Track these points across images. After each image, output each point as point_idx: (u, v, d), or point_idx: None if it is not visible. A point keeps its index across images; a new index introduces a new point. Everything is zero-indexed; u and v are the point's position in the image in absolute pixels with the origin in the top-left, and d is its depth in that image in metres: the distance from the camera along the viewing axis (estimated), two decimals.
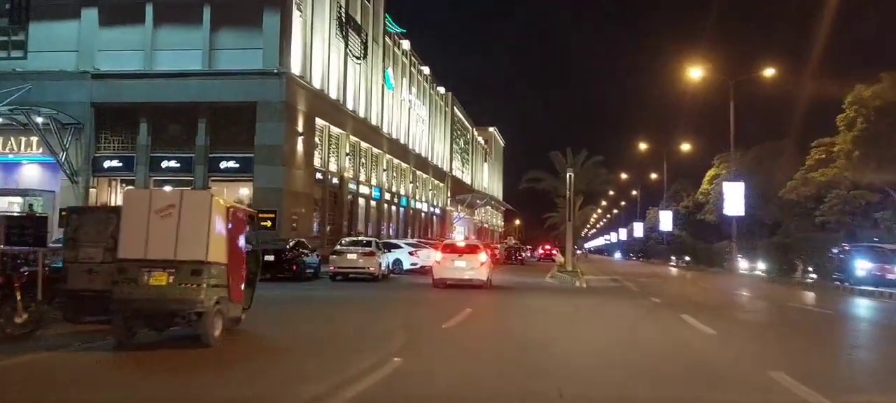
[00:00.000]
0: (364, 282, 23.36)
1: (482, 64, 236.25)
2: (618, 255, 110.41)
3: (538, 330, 11.45)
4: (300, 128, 31.49)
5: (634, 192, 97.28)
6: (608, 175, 33.85)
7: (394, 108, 49.53)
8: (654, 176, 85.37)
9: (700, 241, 62.63)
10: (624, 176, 79.65)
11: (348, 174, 39.26)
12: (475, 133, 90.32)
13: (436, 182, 65.15)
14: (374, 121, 44.48)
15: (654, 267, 52.43)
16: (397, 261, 29.51)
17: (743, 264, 41.28)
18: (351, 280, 23.78)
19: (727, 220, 64.26)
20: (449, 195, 69.93)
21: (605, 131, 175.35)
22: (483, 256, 22.44)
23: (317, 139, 34.82)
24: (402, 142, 51.91)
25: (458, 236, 77.55)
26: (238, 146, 30.30)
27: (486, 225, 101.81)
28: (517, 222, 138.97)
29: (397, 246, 30.37)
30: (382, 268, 24.61)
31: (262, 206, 29.24)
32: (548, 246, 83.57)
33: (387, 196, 47.84)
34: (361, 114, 41.82)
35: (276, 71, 29.69)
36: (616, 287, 25.93)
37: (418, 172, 57.69)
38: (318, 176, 34.65)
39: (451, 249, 22.99)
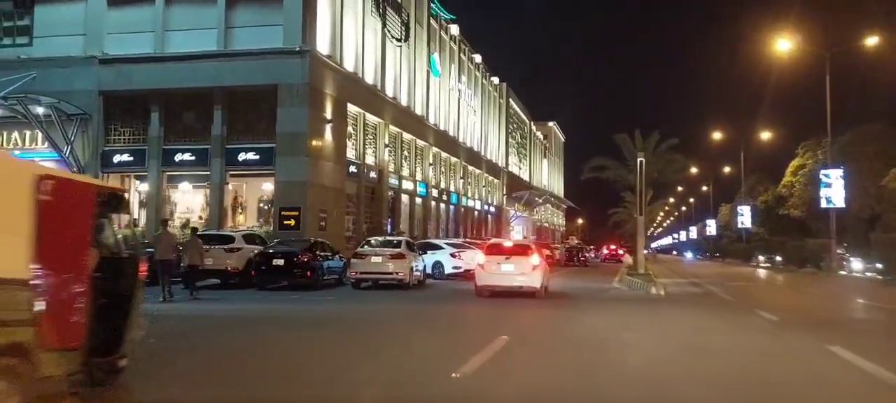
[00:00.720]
0: (391, 290, 19.41)
1: (538, 52, 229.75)
2: (689, 255, 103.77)
3: (609, 382, 7.18)
4: (329, 115, 27.80)
5: (704, 187, 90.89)
6: (684, 162, 28.78)
7: (441, 98, 45.56)
8: (727, 169, 79.15)
9: (778, 238, 56.78)
10: (694, 170, 73.64)
11: (388, 168, 35.45)
12: (533, 127, 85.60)
13: (490, 178, 60.89)
14: (418, 111, 40.59)
15: (736, 268, 46.77)
16: (437, 265, 25.50)
17: (851, 265, 35.41)
18: (378, 287, 19.87)
19: (815, 215, 58.17)
20: (505, 192, 65.55)
21: (673, 121, 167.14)
22: (535, 259, 18.24)
23: (350, 128, 31.11)
24: (451, 134, 47.87)
25: (516, 235, 73.24)
26: (258, 135, 26.83)
27: (546, 225, 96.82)
28: (580, 221, 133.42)
29: (437, 247, 26.35)
30: (415, 273, 20.62)
31: (285, 203, 25.79)
32: (613, 246, 78.50)
33: (434, 192, 43.89)
34: (404, 103, 37.98)
35: (297, 49, 26.06)
36: (701, 294, 21.23)
37: (470, 167, 53.57)
38: (352, 169, 30.93)
39: (497, 250, 18.91)
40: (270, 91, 26.31)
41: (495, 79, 63.45)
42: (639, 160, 24.81)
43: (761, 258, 46.94)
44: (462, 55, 51.32)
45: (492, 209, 61.78)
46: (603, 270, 44.77)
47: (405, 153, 38.89)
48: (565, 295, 20.05)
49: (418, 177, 41.04)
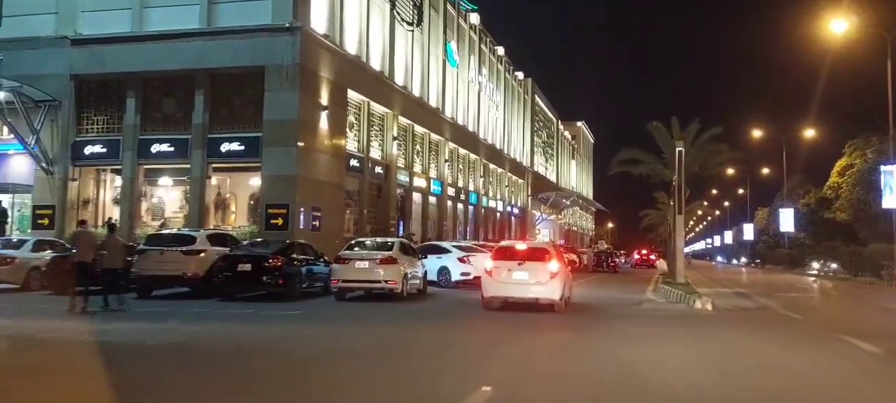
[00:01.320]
0: (381, 302, 16.21)
1: (565, 52, 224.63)
2: (719, 259, 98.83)
3: None
4: (325, 101, 24.71)
5: (740, 190, 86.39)
6: (728, 153, 25.02)
7: (459, 90, 42.28)
8: (765, 170, 74.62)
9: (828, 243, 52.56)
10: (735, 165, 69.31)
11: (397, 163, 32.27)
12: (560, 126, 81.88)
13: (514, 178, 57.44)
14: (433, 103, 37.38)
15: (780, 276, 42.61)
16: (443, 271, 22.23)
17: None
18: (367, 298, 16.70)
19: (863, 219, 53.64)
20: (529, 193, 62.02)
21: (706, 120, 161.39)
22: (554, 265, 15.00)
23: (352, 117, 28.01)
24: (470, 129, 44.57)
25: (543, 239, 69.65)
26: (243, 123, 23.84)
27: (574, 228, 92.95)
28: (610, 225, 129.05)
29: (443, 251, 23.05)
30: (411, 282, 17.39)
31: (272, 199, 22.75)
32: (644, 251, 74.51)
33: (451, 191, 40.61)
34: (416, 93, 34.80)
35: (287, 25, 23.01)
36: (758, 310, 17.60)
37: (491, 166, 50.19)
38: (354, 163, 27.80)
39: (508, 254, 15.72)
40: (258, 73, 23.33)
41: (520, 74, 60.04)
42: (678, 150, 21.29)
43: (815, 265, 42.56)
44: (483, 46, 48.01)
45: (516, 211, 58.31)
46: (634, 277, 41.08)
47: (418, 148, 35.69)
48: (590, 309, 16.65)
49: (433, 174, 37.81)
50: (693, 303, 17.14)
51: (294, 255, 17.03)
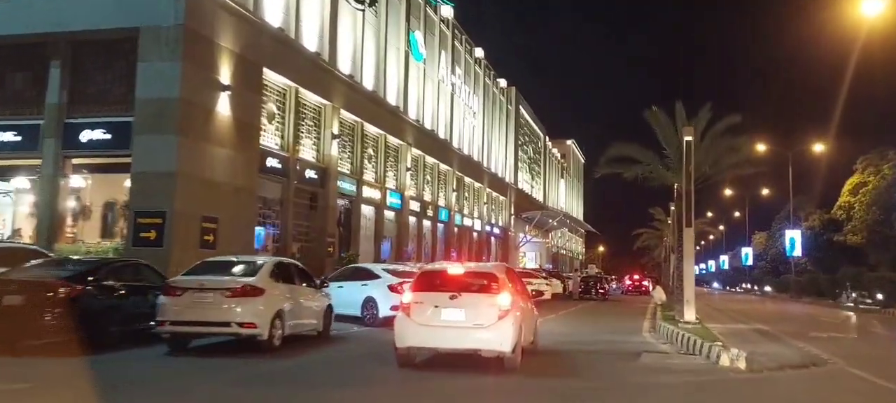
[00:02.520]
0: (239, 356, 10.37)
1: (554, 66, 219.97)
2: (715, 286, 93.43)
3: None
4: (226, 80, 18.95)
5: (737, 213, 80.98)
6: (749, 149, 19.00)
7: (427, 89, 36.65)
8: (765, 191, 69.20)
9: (877, 273, 47.38)
10: (728, 192, 63.74)
11: (339, 167, 26.50)
12: (548, 142, 76.40)
13: (494, 194, 51.72)
14: (391, 100, 31.72)
15: (799, 307, 36.76)
16: (369, 303, 16.37)
17: None
18: (221, 348, 10.85)
19: (879, 242, 48.22)
20: (512, 212, 56.27)
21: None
22: (503, 299, 9.65)
23: (272, 106, 22.26)
24: (440, 135, 38.89)
25: (529, 263, 63.77)
26: (112, 104, 18.06)
27: (563, 252, 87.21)
28: (600, 249, 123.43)
29: (372, 275, 17.12)
30: (298, 321, 11.59)
31: (144, 205, 16.93)
32: (636, 276, 68.75)
33: (414, 205, 34.82)
34: (368, 86, 29.13)
35: None
36: (814, 367, 11.70)
37: (467, 179, 44.45)
38: (274, 163, 21.99)
39: (436, 282, 10.45)
40: (130, 39, 17.58)
41: (502, 82, 54.53)
42: (685, 140, 15.59)
43: (853, 294, 36.58)
44: (457, 44, 42.47)
45: (496, 231, 52.50)
46: (626, 306, 35.20)
47: (369, 151, 29.93)
48: (564, 364, 11.04)
49: (390, 184, 32.01)
50: (716, 356, 11.30)
51: (109, 282, 11.14)
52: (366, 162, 29.40)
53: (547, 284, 30.20)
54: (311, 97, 24.41)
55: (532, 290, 30.13)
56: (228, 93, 18.97)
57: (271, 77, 21.88)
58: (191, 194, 17.67)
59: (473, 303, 9.60)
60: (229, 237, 18.89)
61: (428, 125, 36.87)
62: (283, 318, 11.09)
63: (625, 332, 17.86)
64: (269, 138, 22.11)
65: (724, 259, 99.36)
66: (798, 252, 52.94)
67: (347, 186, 27.28)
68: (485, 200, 48.69)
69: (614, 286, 64.17)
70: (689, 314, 15.14)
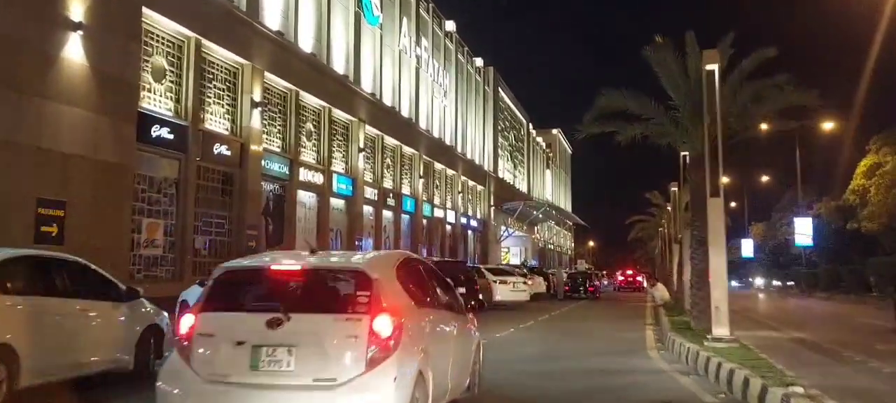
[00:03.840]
0: None
1: (538, 58, 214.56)
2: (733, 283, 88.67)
3: None
4: (78, 16, 13.91)
5: (733, 204, 76.51)
6: (794, 93, 13.91)
7: (384, 59, 31.68)
8: (764, 178, 64.67)
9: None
10: (726, 179, 59.06)
11: (268, 144, 21.52)
12: (532, 130, 71.55)
13: (471, 183, 46.79)
14: (338, 68, 26.75)
15: (829, 305, 31.97)
16: (148, 336, 11.17)
17: None
18: None
19: None
20: (492, 203, 51.37)
21: None
22: (381, 324, 5.29)
23: (159, 58, 17.20)
24: (403, 114, 33.95)
25: (513, 259, 58.89)
26: None
27: (551, 247, 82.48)
28: (591, 244, 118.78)
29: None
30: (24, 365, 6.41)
31: None
32: (629, 271, 64.17)
33: (370, 193, 29.84)
34: (305, 48, 24.12)
35: None
36: None
37: (438, 165, 39.51)
38: (164, 132, 16.96)
39: (244, 292, 5.64)
40: None
41: (479, 61, 49.59)
42: (706, 68, 10.66)
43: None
44: (423, 12, 37.50)
45: (473, 223, 47.57)
46: (620, 305, 30.44)
47: (309, 126, 24.92)
48: None
49: (338, 167, 27.02)
50: None
51: None
52: (303, 139, 24.39)
53: (525, 283, 25.29)
54: (220, 54, 19.37)
55: (510, 291, 25.49)
56: (80, 33, 13.92)
57: (158, 20, 16.83)
58: (17, 169, 12.63)
59: (314, 335, 4.77)
60: (89, 227, 13.87)
61: (387, 101, 31.91)
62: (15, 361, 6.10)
63: (624, 349, 12.99)
64: (158, 101, 17.07)
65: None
66: (809, 241, 48.31)
67: (277, 167, 22.27)
68: (460, 189, 43.77)
69: (606, 282, 59.56)
70: (722, 327, 10.23)
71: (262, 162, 21.16)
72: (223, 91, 19.68)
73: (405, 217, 34.77)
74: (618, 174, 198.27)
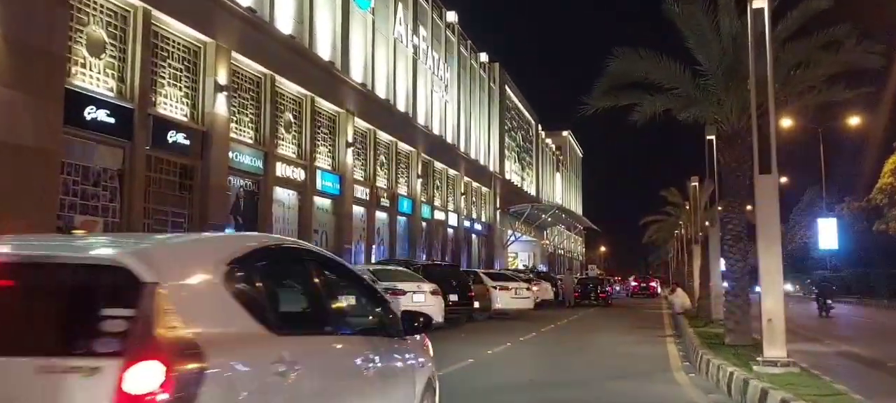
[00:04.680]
0: None
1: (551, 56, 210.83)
2: (725, 285, 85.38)
3: None
4: None
5: (749, 206, 73.46)
6: (862, 54, 11.30)
7: (377, 48, 29.28)
8: (783, 179, 61.64)
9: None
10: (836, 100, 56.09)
11: (237, 134, 19.15)
12: (540, 131, 68.98)
13: (475, 185, 44.28)
14: (322, 52, 24.35)
15: (867, 312, 29.23)
16: None
17: None
18: None
19: None
20: (498, 206, 48.82)
21: None
22: None
23: (96, 30, 14.84)
24: (399, 108, 31.55)
25: (521, 263, 56.28)
26: None
27: (560, 252, 79.73)
28: (602, 249, 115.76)
29: None
30: None
31: None
32: (643, 277, 61.67)
33: (360, 192, 27.40)
34: (283, 29, 21.73)
35: None
36: None
37: (439, 165, 37.08)
38: (103, 116, 14.55)
39: None
40: None
41: (483, 56, 47.14)
42: (754, 5, 8.13)
43: None
44: (421, 0, 35.10)
45: (478, 226, 45.03)
46: (634, 313, 27.82)
47: (288, 116, 22.51)
48: None
49: (324, 162, 24.59)
50: None
51: None
52: (281, 130, 21.97)
53: (528, 289, 22.67)
54: (176, 28, 16.99)
55: (511, 298, 22.86)
56: None
57: None
58: None
59: None
60: (4, 224, 11.41)
61: (380, 93, 29.49)
62: None
63: (644, 371, 10.45)
64: (95, 79, 14.69)
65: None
66: (833, 244, 45.38)
67: (248, 161, 19.84)
68: (463, 191, 41.24)
69: (618, 288, 56.91)
70: (776, 347, 7.67)
71: (230, 154, 18.75)
72: (180, 71, 17.29)
73: (402, 219, 32.30)
74: (631, 173, 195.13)
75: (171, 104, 16.98)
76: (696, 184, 23.68)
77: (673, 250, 50.96)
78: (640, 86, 11.95)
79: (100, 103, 14.52)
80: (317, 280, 3.77)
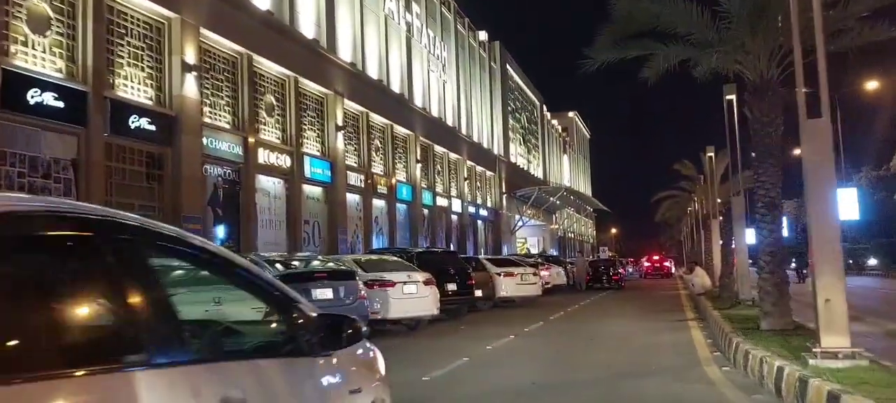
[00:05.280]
0: None
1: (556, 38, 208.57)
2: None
3: None
4: None
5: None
6: None
7: (368, 25, 27.66)
8: (795, 151, 59.66)
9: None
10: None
11: (211, 119, 17.63)
12: (546, 112, 67.18)
13: (479, 169, 42.63)
14: (305, 30, 22.74)
15: None
16: None
17: None
18: None
19: None
20: (504, 190, 47.18)
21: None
22: None
23: (40, 3, 13.29)
24: (394, 89, 29.94)
25: (530, 248, 54.69)
26: None
27: (571, 235, 77.94)
28: (613, 231, 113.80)
29: None
30: None
31: None
32: (655, 257, 59.98)
33: (354, 178, 25.84)
34: (257, 3, 20.10)
35: None
36: None
37: (440, 149, 35.47)
38: (49, 99, 13.03)
39: None
40: None
41: (483, 35, 45.39)
42: None
43: None
44: None
45: (483, 212, 43.42)
46: (650, 296, 26.26)
47: (269, 99, 20.93)
48: None
49: (311, 148, 23.04)
50: None
51: None
52: (262, 114, 20.40)
53: (535, 274, 21.01)
54: (135, 2, 15.43)
55: (517, 284, 21.22)
56: None
57: None
58: None
59: None
60: None
61: (372, 73, 27.88)
62: None
63: (668, 365, 8.87)
64: (39, 59, 13.15)
65: (750, 232, 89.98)
66: (853, 215, 43.52)
67: (226, 147, 18.30)
68: (466, 175, 39.61)
69: (631, 270, 55.28)
70: (837, 333, 6.07)
71: (204, 140, 17.22)
72: (141, 50, 15.73)
73: (401, 206, 30.73)
74: (640, 153, 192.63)
75: (133, 86, 15.44)
76: (712, 154, 22.00)
77: (686, 228, 49.25)
78: (651, 35, 10.30)
79: (46, 85, 12.99)
80: (140, 275, 2.21)
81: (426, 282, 13.05)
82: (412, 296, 12.66)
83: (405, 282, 12.64)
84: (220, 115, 18.36)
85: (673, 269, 57.02)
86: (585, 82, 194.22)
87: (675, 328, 13.41)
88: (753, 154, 10.12)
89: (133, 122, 15.09)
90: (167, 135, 16.02)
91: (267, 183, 20.57)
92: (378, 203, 28.38)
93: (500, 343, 11.48)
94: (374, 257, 15.07)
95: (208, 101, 17.78)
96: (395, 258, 14.34)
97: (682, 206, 43.88)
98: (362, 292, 10.71)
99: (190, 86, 16.57)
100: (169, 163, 16.18)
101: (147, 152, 15.73)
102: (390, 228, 29.28)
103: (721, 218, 23.07)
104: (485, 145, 44.35)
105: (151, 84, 15.96)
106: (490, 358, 9.91)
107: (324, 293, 10.09)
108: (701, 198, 28.73)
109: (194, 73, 16.61)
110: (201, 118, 17.16)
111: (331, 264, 11.71)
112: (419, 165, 32.05)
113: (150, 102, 15.82)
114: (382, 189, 28.39)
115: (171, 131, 16.11)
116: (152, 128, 15.59)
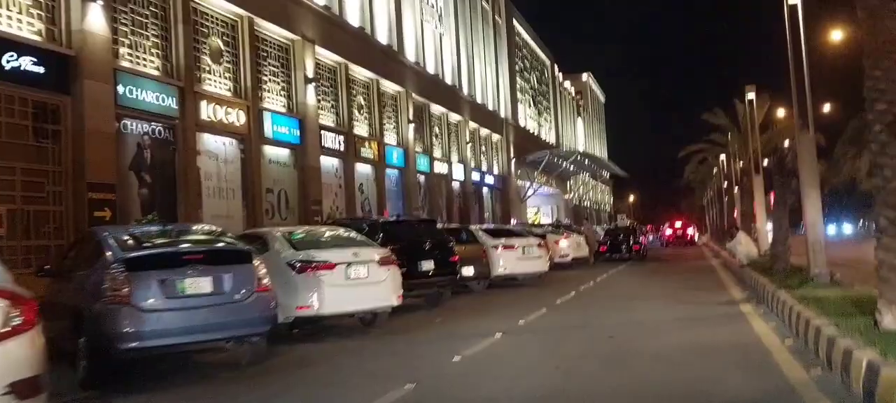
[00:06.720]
0: None
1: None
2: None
3: None
4: None
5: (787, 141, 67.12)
6: None
7: None
8: (826, 108, 55.31)
9: None
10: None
11: (134, 63, 14.12)
12: (557, 72, 63.08)
13: (483, 131, 38.93)
14: None
15: None
16: None
17: None
18: None
19: None
20: (512, 155, 43.46)
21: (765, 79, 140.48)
22: None
23: None
24: (381, 40, 26.26)
25: (542, 218, 51.12)
26: None
27: (587, 204, 73.99)
28: (631, 198, 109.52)
29: None
30: None
31: None
32: (678, 223, 56.30)
33: (331, 140, 22.28)
34: None
35: None
36: None
37: (438, 109, 31.82)
38: (25, 62, 9.56)
39: None
40: None
41: None
42: None
43: None
44: None
45: (489, 179, 39.78)
46: (677, 267, 22.69)
47: (215, 42, 17.31)
48: None
49: (275, 103, 19.47)
50: None
51: None
52: (206, 61, 16.82)
53: (540, 246, 17.36)
54: None
55: (518, 259, 17.50)
56: None
57: None
58: None
59: None
60: None
61: (352, 19, 24.21)
62: None
63: (732, 388, 5.23)
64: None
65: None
66: None
67: (153, 99, 14.76)
68: (468, 139, 35.93)
69: (651, 237, 51.60)
70: None
71: (118, 87, 13.72)
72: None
73: (392, 172, 27.18)
74: (658, 114, 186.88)
75: (8, 15, 11.94)
76: (753, 95, 18.21)
77: (711, 192, 45.34)
78: None
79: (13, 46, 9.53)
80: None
81: (383, 262, 9.51)
82: (361, 282, 9.15)
83: (350, 263, 9.12)
84: (142, 59, 14.80)
85: (697, 237, 53.31)
86: (599, 42, 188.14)
87: (726, 316, 9.83)
88: (863, 52, 6.39)
89: (8, 62, 11.59)
90: (62, 80, 12.54)
91: (214, 143, 17.06)
92: (363, 168, 24.84)
93: (478, 347, 7.97)
94: (319, 228, 11.56)
95: (126, 41, 14.25)
96: (342, 231, 10.75)
97: (708, 168, 39.92)
98: (265, 282, 7.19)
99: (95, 19, 13.02)
100: (68, 116, 12.71)
101: (34, 101, 12.24)
102: (379, 197, 25.78)
103: (762, 174, 19.40)
104: (490, 107, 40.61)
105: (36, 14, 12.43)
106: (453, 379, 6.41)
107: (197, 285, 6.62)
108: (738, 148, 24.88)
109: (99, 3, 13.06)
110: (114, 60, 13.66)
111: (217, 238, 8.06)
112: (412, 126, 28.41)
113: (36, 38, 12.32)
114: (368, 153, 24.84)
115: (68, 75, 12.63)
116: (39, 69, 12.10)
